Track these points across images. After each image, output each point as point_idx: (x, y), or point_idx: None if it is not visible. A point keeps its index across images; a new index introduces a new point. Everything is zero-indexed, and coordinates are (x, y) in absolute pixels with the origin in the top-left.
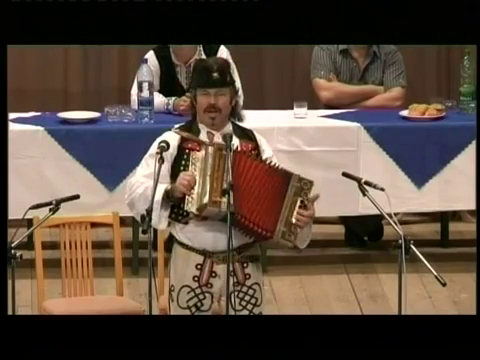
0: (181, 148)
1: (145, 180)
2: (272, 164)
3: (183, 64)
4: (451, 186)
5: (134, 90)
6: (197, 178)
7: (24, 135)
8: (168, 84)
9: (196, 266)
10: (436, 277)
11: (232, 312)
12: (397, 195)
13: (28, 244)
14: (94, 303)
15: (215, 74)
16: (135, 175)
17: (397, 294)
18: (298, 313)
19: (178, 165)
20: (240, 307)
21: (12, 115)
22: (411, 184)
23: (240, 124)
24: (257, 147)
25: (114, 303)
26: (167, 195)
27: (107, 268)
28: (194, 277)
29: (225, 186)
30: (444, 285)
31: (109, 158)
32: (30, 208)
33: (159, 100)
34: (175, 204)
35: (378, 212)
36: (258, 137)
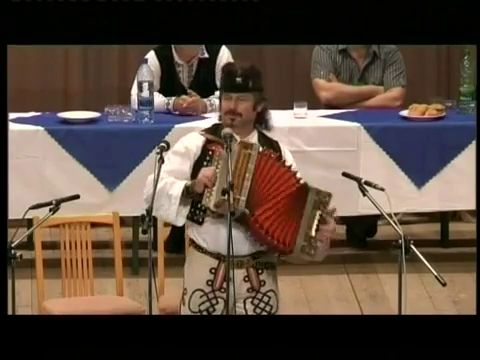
0: (205, 149)
1: (165, 176)
2: (294, 171)
3: (186, 63)
4: (451, 186)
5: (134, 90)
6: (218, 175)
7: (24, 135)
8: (169, 84)
9: (210, 270)
10: (436, 277)
11: None
12: (397, 195)
13: (28, 244)
14: (94, 303)
15: (238, 79)
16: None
17: (397, 294)
18: (298, 313)
19: (200, 165)
20: (254, 314)
21: (12, 115)
22: (411, 184)
23: (266, 134)
24: (281, 158)
25: (114, 303)
26: (187, 191)
27: (107, 268)
28: (208, 281)
29: (250, 189)
30: (444, 285)
31: (109, 158)
32: (30, 208)
33: (159, 100)
34: (192, 203)
35: (378, 212)
36: (283, 149)
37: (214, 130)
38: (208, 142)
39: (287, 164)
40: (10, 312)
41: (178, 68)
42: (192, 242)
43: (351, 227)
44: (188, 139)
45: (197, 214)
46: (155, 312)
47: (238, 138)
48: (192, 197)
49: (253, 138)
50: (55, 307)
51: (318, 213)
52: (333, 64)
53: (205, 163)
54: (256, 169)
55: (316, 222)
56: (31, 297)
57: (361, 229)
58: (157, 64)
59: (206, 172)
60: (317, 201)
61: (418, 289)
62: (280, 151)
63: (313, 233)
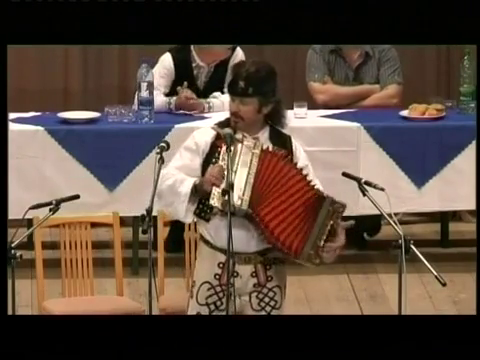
0: (214, 145)
1: (176, 172)
2: (303, 173)
3: (206, 65)
4: (451, 186)
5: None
6: (225, 173)
7: (24, 135)
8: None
9: (218, 264)
10: (436, 277)
11: (250, 312)
12: (397, 195)
13: (28, 244)
14: (94, 303)
15: (241, 83)
16: (168, 166)
17: (397, 294)
18: (298, 313)
19: (209, 161)
20: (259, 308)
21: (12, 115)
22: (411, 184)
23: (280, 130)
24: (291, 155)
25: (114, 303)
26: (195, 189)
27: (107, 268)
28: (215, 275)
29: (255, 186)
30: (444, 285)
31: (109, 158)
32: (30, 208)
33: (160, 99)
34: (201, 200)
35: (378, 212)
36: (294, 145)
37: (226, 124)
38: (218, 138)
39: (297, 162)
40: (10, 312)
41: (198, 70)
42: (201, 237)
43: (351, 227)
44: (199, 134)
45: (204, 211)
46: (155, 312)
47: (247, 135)
48: (200, 195)
49: (264, 134)
50: (55, 307)
51: (330, 223)
52: (327, 66)
53: (214, 160)
54: (259, 168)
55: (326, 233)
56: (31, 297)
57: (361, 229)
58: (171, 66)
59: (213, 171)
60: (331, 211)
61: (418, 289)
62: (290, 148)
63: (321, 243)
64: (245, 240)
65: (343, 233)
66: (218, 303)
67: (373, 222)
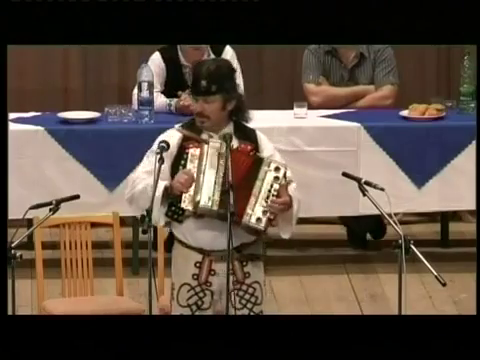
0: (181, 147)
1: (146, 176)
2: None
3: (192, 65)
4: (451, 186)
5: (136, 90)
6: (194, 176)
7: (24, 135)
8: (174, 85)
9: (195, 264)
10: (436, 277)
11: (232, 311)
12: (397, 195)
13: (28, 244)
14: (94, 303)
15: (203, 82)
16: (136, 171)
17: (397, 294)
18: (298, 313)
19: (177, 164)
20: (240, 305)
21: (12, 115)
22: (411, 184)
23: (244, 124)
24: (257, 147)
25: (114, 303)
26: (167, 192)
27: (107, 268)
28: (193, 275)
29: (224, 186)
30: (444, 285)
31: (109, 158)
32: (30, 208)
33: (161, 100)
34: (172, 202)
35: (378, 212)
36: (259, 137)
37: (191, 124)
38: (185, 139)
39: (264, 155)
40: (10, 312)
41: (184, 70)
42: (176, 238)
43: (351, 227)
44: (165, 137)
45: (176, 213)
46: (155, 312)
47: (214, 135)
48: (171, 198)
49: (229, 130)
50: (55, 307)
51: (270, 182)
52: (322, 66)
53: (182, 162)
54: (229, 167)
55: (266, 192)
56: (31, 297)
57: (361, 229)
58: (162, 65)
59: (182, 176)
60: (269, 172)
61: (418, 289)
62: (256, 141)
63: (263, 202)
64: (219, 238)
65: (286, 192)
66: (199, 303)
67: (378, 224)
